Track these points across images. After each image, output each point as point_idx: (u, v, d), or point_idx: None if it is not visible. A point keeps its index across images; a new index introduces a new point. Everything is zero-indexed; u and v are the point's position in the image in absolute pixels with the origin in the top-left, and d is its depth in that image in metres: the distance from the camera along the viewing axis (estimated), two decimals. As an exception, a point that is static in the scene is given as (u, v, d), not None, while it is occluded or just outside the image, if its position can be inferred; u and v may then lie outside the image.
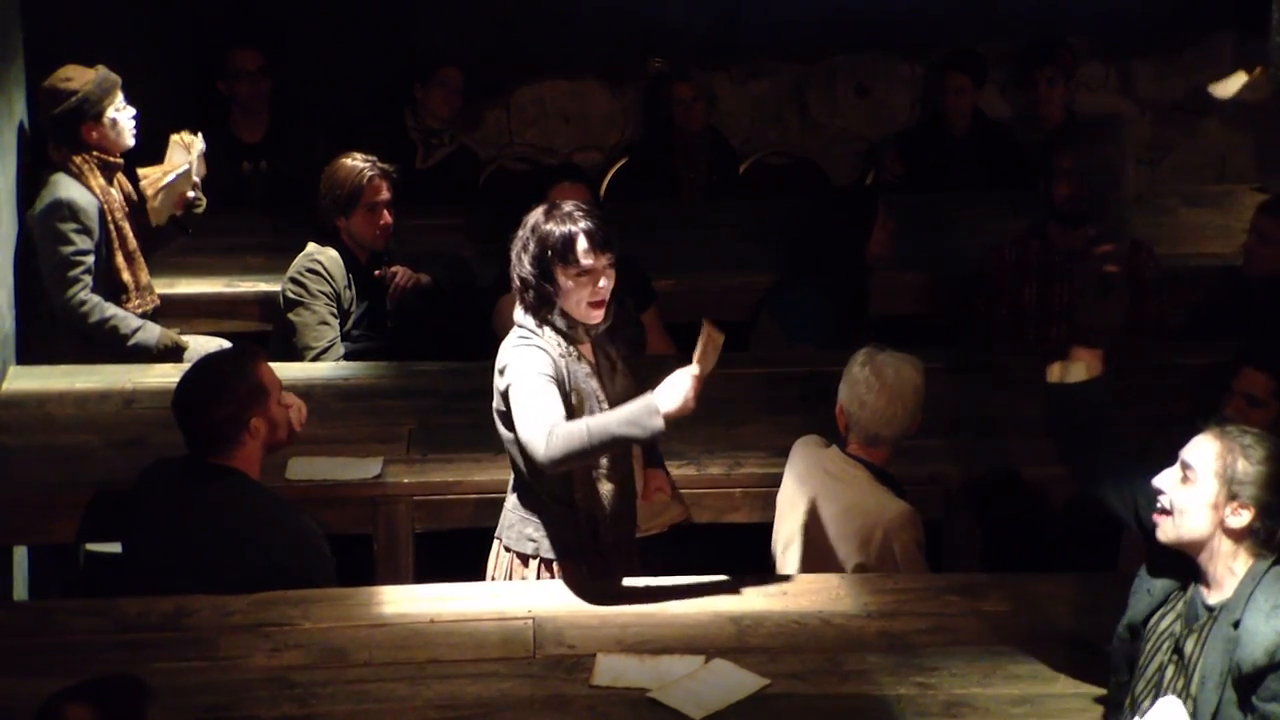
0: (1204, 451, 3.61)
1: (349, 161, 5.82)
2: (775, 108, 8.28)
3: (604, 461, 4.39)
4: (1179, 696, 3.61)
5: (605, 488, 4.42)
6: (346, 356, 5.79)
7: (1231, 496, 3.57)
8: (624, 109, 8.18)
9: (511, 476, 4.52)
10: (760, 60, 8.22)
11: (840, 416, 4.59)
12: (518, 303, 4.42)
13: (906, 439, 4.61)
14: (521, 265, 4.36)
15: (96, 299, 5.70)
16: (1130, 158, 4.18)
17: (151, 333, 5.78)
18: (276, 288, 5.98)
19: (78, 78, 5.72)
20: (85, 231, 5.67)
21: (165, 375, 5.32)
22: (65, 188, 5.66)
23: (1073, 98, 7.79)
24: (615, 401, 4.36)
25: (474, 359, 5.70)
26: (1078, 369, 4.07)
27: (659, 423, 4.13)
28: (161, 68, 7.41)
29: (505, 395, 4.33)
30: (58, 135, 5.73)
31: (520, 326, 4.39)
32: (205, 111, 7.25)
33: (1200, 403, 4.92)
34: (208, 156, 5.98)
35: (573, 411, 4.30)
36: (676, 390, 4.14)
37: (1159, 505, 3.65)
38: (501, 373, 4.36)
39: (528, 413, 4.23)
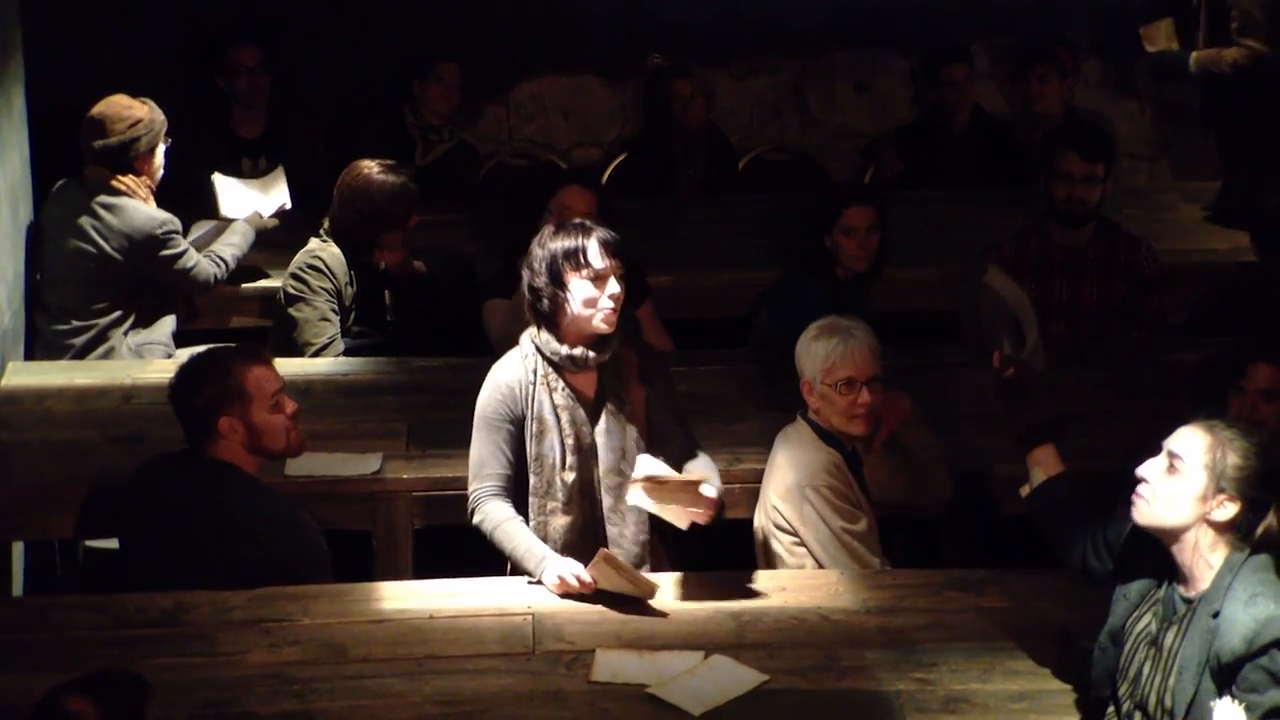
0: (1193, 443, 3.61)
1: (390, 177, 5.82)
2: (774, 104, 8.27)
3: (559, 495, 4.48)
4: (1156, 689, 3.62)
5: (559, 521, 4.49)
6: (346, 353, 5.79)
7: (1219, 490, 3.58)
8: (623, 105, 8.18)
9: None
10: (760, 56, 8.21)
11: None
12: (529, 316, 4.46)
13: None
14: (533, 275, 4.41)
15: (208, 260, 6.00)
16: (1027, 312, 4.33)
17: (248, 235, 6.15)
18: (276, 283, 5.98)
19: (138, 109, 5.89)
20: (183, 237, 5.97)
21: (163, 371, 5.31)
22: (149, 211, 5.87)
23: (1072, 94, 7.78)
24: (599, 439, 4.47)
25: (473, 355, 5.70)
26: (1037, 474, 4.11)
27: (537, 579, 4.37)
28: (160, 64, 7.40)
29: None
30: (112, 160, 5.85)
31: (519, 346, 4.50)
32: (204, 108, 7.25)
33: (1197, 397, 4.92)
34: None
35: (532, 440, 4.44)
36: (563, 575, 4.32)
37: (1139, 493, 3.65)
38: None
39: (471, 461, 4.51)
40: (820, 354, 4.62)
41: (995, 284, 4.37)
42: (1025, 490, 4.12)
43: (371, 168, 5.84)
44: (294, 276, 5.80)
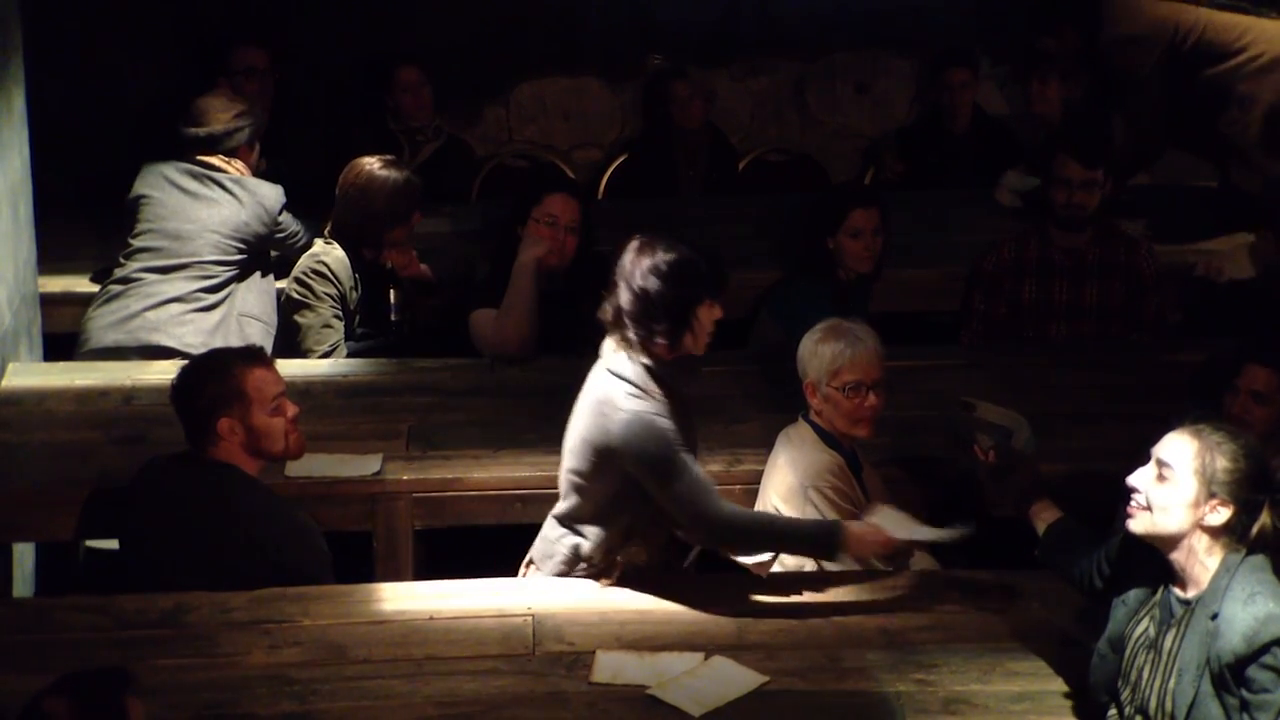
0: (1181, 450, 3.60)
1: (387, 182, 5.80)
2: (775, 105, 8.28)
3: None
4: (1157, 692, 3.62)
5: (658, 540, 4.47)
6: (351, 355, 5.77)
7: (1210, 495, 3.57)
8: (623, 106, 8.18)
9: (563, 507, 4.48)
10: (760, 57, 8.21)
11: None
12: (622, 347, 4.29)
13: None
14: (660, 298, 4.23)
15: (305, 230, 6.12)
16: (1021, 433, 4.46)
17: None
18: (277, 284, 5.98)
19: (241, 102, 6.12)
20: None
21: (164, 372, 5.31)
22: (267, 184, 6.04)
23: (1071, 95, 7.78)
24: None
25: (473, 355, 5.70)
26: (1040, 526, 4.15)
27: (836, 556, 4.33)
28: (160, 65, 7.40)
29: (631, 460, 4.27)
30: (216, 145, 6.03)
31: (627, 382, 4.28)
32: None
33: (1196, 398, 4.92)
34: None
35: None
36: (872, 540, 4.30)
37: (1133, 502, 3.65)
38: (622, 443, 4.25)
39: (688, 491, 4.26)
40: (827, 357, 4.62)
41: (981, 413, 4.44)
42: (1038, 553, 4.16)
43: (373, 164, 5.84)
44: (298, 281, 5.78)
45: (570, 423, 4.44)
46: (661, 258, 4.26)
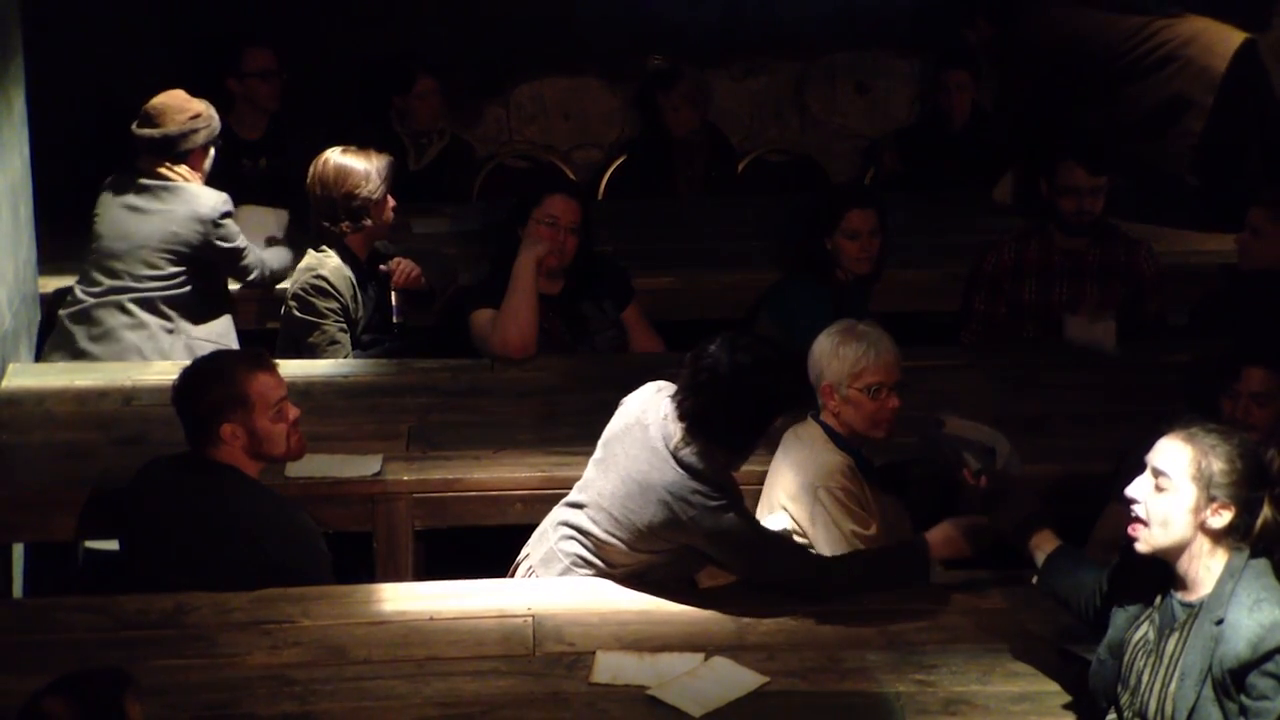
0: (1176, 457, 3.58)
1: (356, 161, 5.76)
2: (775, 105, 8.28)
3: None
4: (1157, 696, 3.61)
5: None
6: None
7: (1211, 499, 3.56)
8: (623, 106, 8.19)
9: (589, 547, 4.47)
10: (760, 57, 8.22)
11: None
12: (716, 450, 4.31)
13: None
14: (754, 426, 4.33)
15: (256, 255, 6.06)
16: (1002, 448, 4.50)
17: (290, 259, 6.11)
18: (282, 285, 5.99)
19: (197, 104, 5.95)
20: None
21: (164, 373, 5.32)
22: (209, 192, 5.93)
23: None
24: None
25: (473, 355, 5.70)
26: (1039, 557, 4.12)
27: (930, 572, 4.42)
28: (161, 65, 7.40)
29: (719, 555, 4.37)
30: (168, 151, 5.89)
31: (700, 479, 4.27)
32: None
33: (1193, 398, 4.92)
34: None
35: None
36: (955, 540, 4.40)
37: (1134, 515, 3.64)
38: (706, 542, 4.31)
39: (785, 569, 4.38)
40: (850, 359, 4.59)
41: (953, 429, 4.45)
42: (1035, 579, 4.14)
43: (335, 153, 5.79)
44: (298, 300, 5.72)
45: (607, 482, 4.39)
46: (760, 384, 4.28)
